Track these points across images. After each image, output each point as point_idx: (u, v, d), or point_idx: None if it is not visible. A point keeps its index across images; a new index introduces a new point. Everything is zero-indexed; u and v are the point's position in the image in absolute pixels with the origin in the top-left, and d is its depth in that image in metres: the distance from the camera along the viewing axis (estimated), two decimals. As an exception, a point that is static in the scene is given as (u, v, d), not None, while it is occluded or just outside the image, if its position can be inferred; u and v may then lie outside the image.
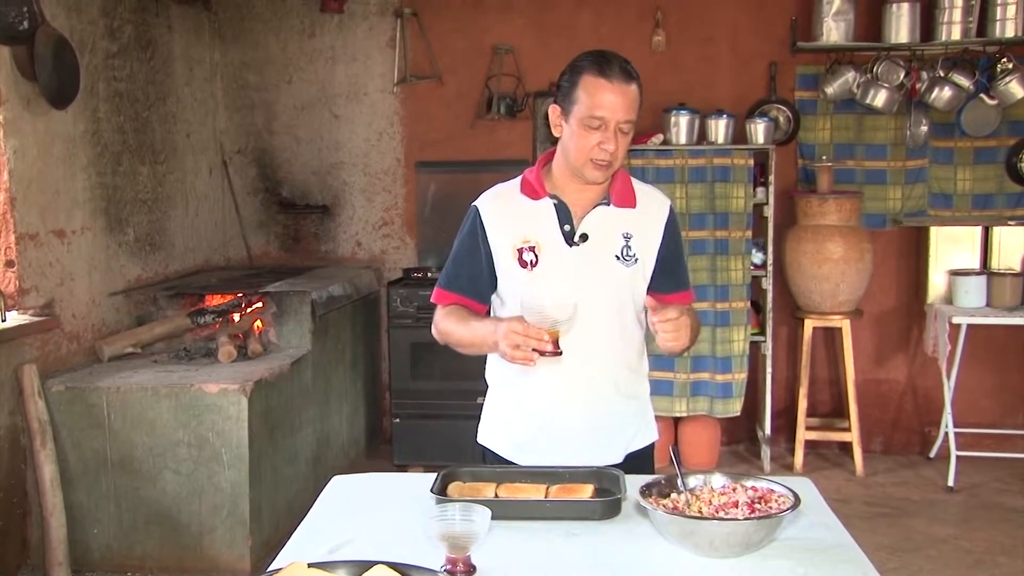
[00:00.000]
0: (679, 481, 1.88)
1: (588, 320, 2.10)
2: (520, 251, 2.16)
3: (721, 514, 1.77)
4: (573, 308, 1.97)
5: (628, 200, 2.20)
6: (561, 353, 1.95)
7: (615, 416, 2.24)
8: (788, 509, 1.75)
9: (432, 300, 2.28)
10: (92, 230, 4.12)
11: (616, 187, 2.19)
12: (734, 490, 1.86)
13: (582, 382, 2.18)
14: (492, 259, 2.19)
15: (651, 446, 2.33)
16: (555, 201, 2.18)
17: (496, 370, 2.32)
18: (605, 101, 2.06)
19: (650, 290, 2.23)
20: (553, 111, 2.16)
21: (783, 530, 1.80)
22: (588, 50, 2.15)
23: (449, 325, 2.19)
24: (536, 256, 2.15)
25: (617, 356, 2.21)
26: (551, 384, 2.18)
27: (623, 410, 2.25)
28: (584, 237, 2.16)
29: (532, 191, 2.20)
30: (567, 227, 2.16)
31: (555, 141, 2.20)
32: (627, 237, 2.18)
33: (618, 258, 2.17)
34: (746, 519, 1.72)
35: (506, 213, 2.20)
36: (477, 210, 2.22)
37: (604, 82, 2.06)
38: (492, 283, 2.23)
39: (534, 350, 1.92)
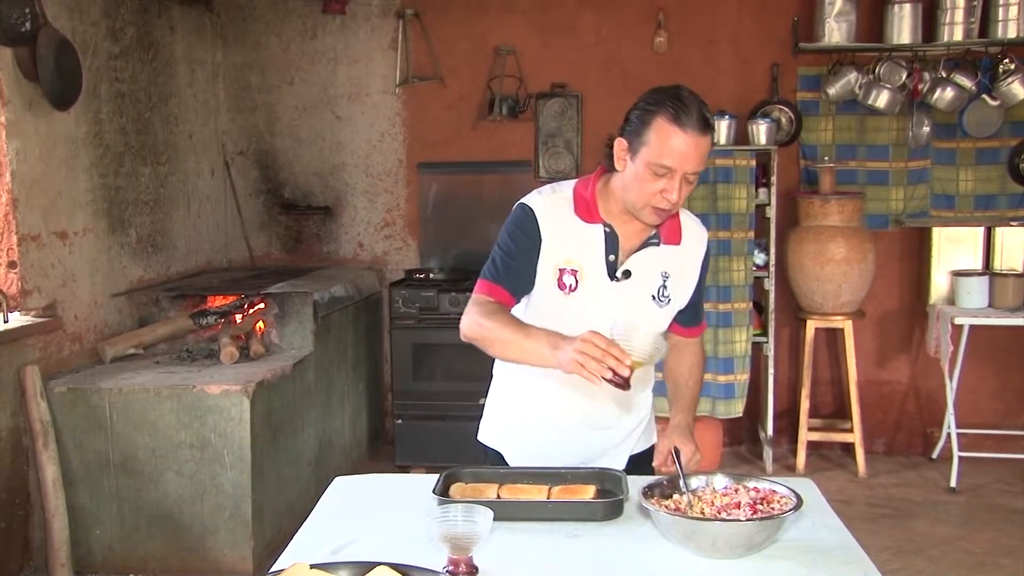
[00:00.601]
0: (681, 482, 1.88)
1: None
2: (562, 272, 2.08)
3: (723, 515, 1.77)
4: (665, 346, 1.92)
5: (675, 237, 2.15)
6: (630, 388, 1.81)
7: (622, 428, 2.25)
8: (790, 510, 1.75)
9: (476, 292, 2.14)
10: (94, 231, 4.13)
11: (666, 223, 2.12)
12: (736, 491, 1.86)
13: (592, 396, 2.16)
14: (538, 264, 2.10)
15: (652, 448, 2.33)
16: (607, 229, 2.10)
17: (506, 370, 2.30)
18: (676, 151, 1.93)
19: (671, 322, 2.22)
20: (619, 145, 2.03)
21: (785, 531, 1.80)
22: (666, 88, 1.99)
23: (494, 323, 2.00)
24: (576, 281, 2.08)
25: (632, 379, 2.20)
26: (562, 393, 2.17)
27: (629, 421, 2.26)
28: (627, 274, 2.10)
29: (586, 212, 2.10)
30: (612, 257, 2.09)
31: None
32: (665, 276, 2.13)
33: (653, 298, 2.13)
34: (748, 520, 1.72)
35: (558, 227, 2.10)
36: (533, 211, 2.10)
37: (679, 131, 1.92)
38: (531, 286, 2.13)
39: (610, 368, 1.76)
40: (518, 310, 2.16)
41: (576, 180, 2.18)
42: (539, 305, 2.13)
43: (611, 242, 2.09)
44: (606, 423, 2.22)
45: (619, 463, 2.23)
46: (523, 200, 2.15)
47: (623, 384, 1.77)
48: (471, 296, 2.14)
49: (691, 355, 2.33)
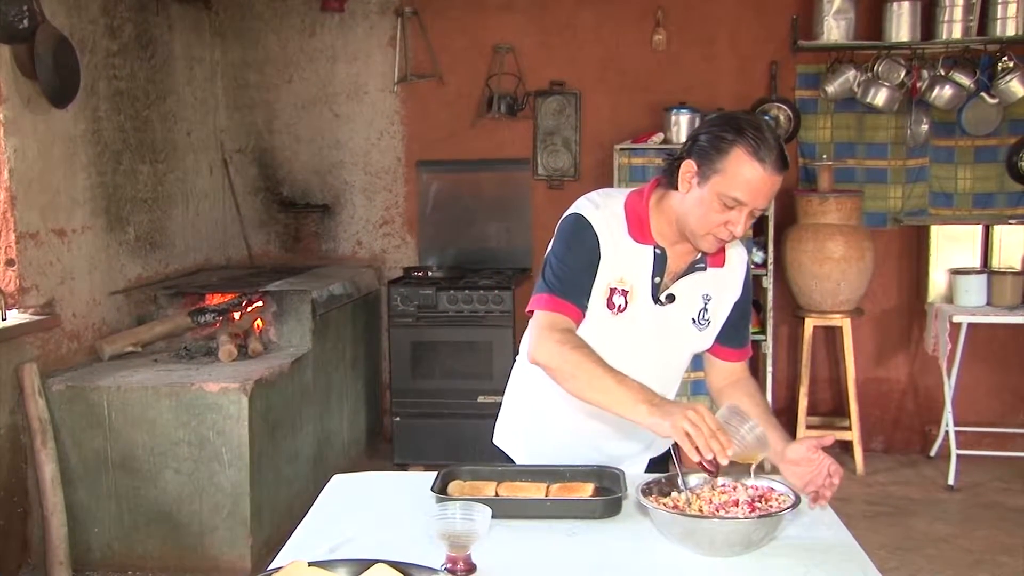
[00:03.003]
0: (680, 480, 1.87)
1: (648, 373, 2.03)
2: (612, 291, 2.02)
3: (721, 513, 1.77)
4: (767, 447, 1.85)
5: (719, 260, 2.08)
6: (716, 475, 1.79)
7: (645, 438, 2.21)
8: (788, 508, 1.75)
9: (534, 308, 2.01)
10: (93, 229, 4.12)
11: None
12: (734, 489, 1.86)
13: (623, 423, 2.12)
14: (595, 278, 2.02)
15: (667, 452, 2.29)
16: (657, 251, 2.02)
17: (526, 372, 2.23)
18: (751, 185, 1.85)
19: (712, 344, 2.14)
20: (687, 167, 1.92)
21: (783, 529, 1.81)
22: (744, 117, 1.91)
23: (580, 357, 1.88)
24: (626, 302, 2.02)
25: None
26: (588, 408, 2.10)
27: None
28: (671, 298, 2.04)
29: (640, 233, 2.02)
30: (657, 280, 2.03)
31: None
32: (706, 299, 2.07)
33: (694, 321, 2.08)
34: (746, 518, 1.72)
35: (613, 243, 2.02)
36: (592, 225, 2.01)
37: (757, 166, 1.84)
38: (589, 301, 2.03)
39: (699, 452, 1.69)
40: None
41: (627, 193, 2.08)
42: (586, 323, 2.04)
43: (659, 264, 2.03)
44: (628, 433, 2.17)
45: (639, 468, 2.21)
46: (578, 211, 2.04)
47: (714, 470, 1.73)
48: (536, 315, 2.00)
49: (744, 391, 2.13)
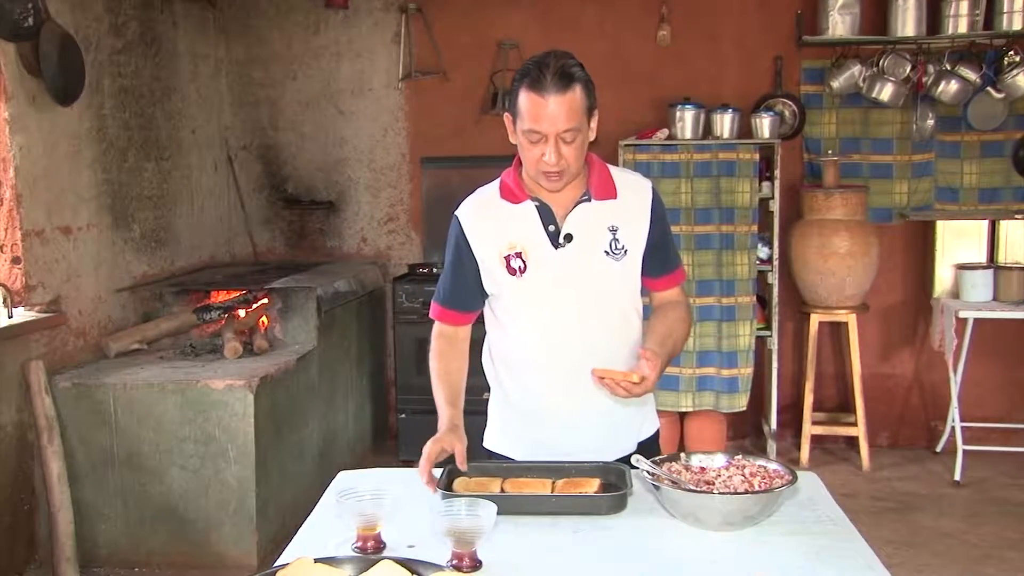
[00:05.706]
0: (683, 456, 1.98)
1: (587, 319, 2.11)
2: (507, 258, 2.12)
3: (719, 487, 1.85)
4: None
5: (609, 192, 2.14)
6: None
7: (624, 405, 2.20)
8: (785, 485, 1.82)
9: (431, 315, 2.30)
10: (98, 227, 4.13)
11: (594, 180, 2.14)
12: (727, 468, 1.94)
13: (590, 380, 2.16)
14: (478, 270, 2.16)
15: (657, 432, 2.33)
16: (536, 203, 2.13)
17: (500, 373, 2.28)
18: (540, 115, 1.98)
19: (641, 275, 2.19)
20: (507, 119, 2.10)
21: (789, 524, 1.82)
22: (535, 56, 2.05)
23: (433, 370, 2.23)
24: (524, 262, 2.11)
25: (621, 349, 2.17)
26: (560, 385, 2.16)
27: (632, 400, 2.24)
28: (569, 237, 2.11)
29: (512, 195, 2.15)
30: (552, 227, 2.11)
31: None
32: (613, 230, 2.13)
33: (607, 253, 2.12)
34: (747, 492, 1.80)
35: (488, 220, 2.16)
36: (458, 220, 2.19)
37: (537, 96, 1.98)
38: (482, 293, 2.20)
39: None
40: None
41: (505, 170, 2.23)
42: (499, 296, 2.18)
43: (545, 214, 2.12)
44: (614, 399, 2.15)
45: (631, 446, 2.21)
46: (455, 212, 2.21)
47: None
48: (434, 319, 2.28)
49: (673, 310, 2.22)
